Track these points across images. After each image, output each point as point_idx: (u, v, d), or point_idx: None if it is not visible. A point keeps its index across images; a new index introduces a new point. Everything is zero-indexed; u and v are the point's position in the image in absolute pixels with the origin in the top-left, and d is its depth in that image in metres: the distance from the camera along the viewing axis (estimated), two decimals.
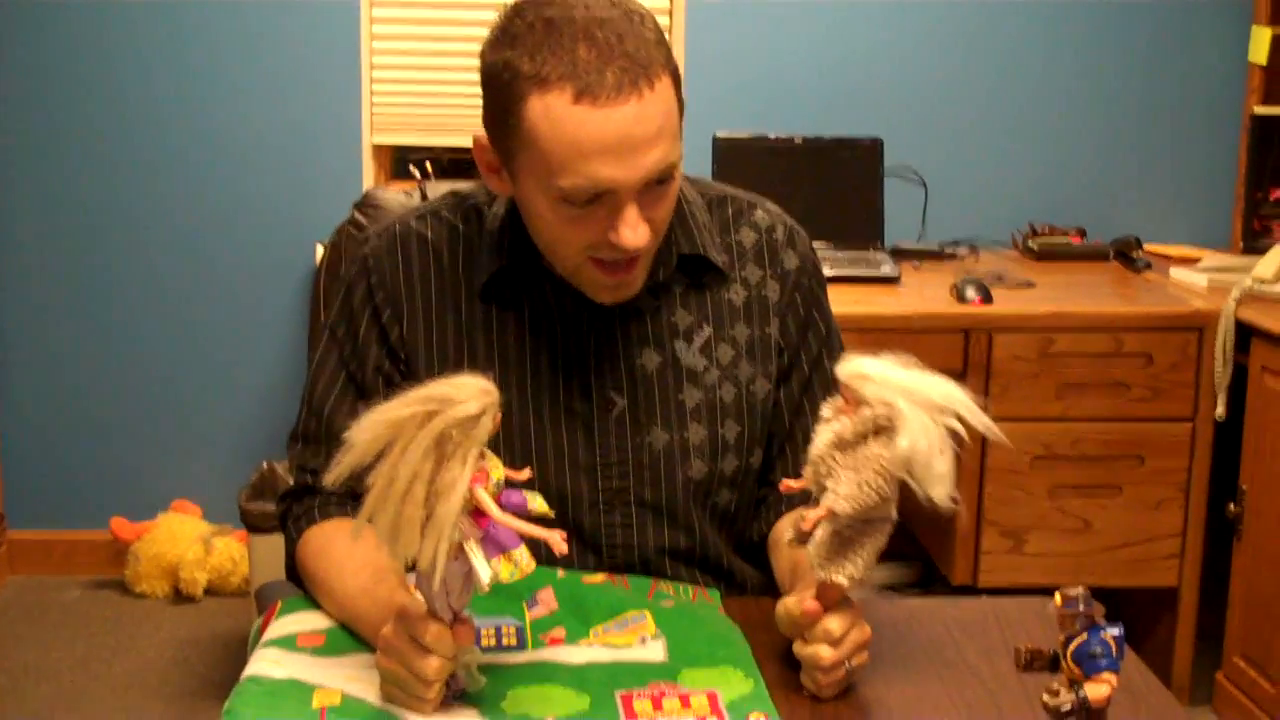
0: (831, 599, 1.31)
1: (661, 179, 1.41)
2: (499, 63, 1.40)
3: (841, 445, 1.26)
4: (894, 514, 1.28)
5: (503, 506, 1.19)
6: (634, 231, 1.40)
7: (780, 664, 1.37)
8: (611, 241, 1.41)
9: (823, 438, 1.27)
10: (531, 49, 1.37)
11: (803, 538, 1.30)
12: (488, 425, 1.17)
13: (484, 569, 1.17)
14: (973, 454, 2.93)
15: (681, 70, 3.66)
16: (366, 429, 1.17)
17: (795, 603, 1.32)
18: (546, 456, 1.56)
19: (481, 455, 1.18)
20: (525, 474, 1.24)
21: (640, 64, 1.36)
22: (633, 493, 1.57)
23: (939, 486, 1.23)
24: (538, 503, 1.23)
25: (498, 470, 1.20)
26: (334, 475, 1.19)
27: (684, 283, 1.60)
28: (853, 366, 1.26)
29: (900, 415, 1.22)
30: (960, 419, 1.24)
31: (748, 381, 1.60)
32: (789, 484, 1.35)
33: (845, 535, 1.28)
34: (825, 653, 1.30)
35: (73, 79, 3.47)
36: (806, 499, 1.62)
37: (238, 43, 3.47)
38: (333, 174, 3.49)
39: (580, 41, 1.35)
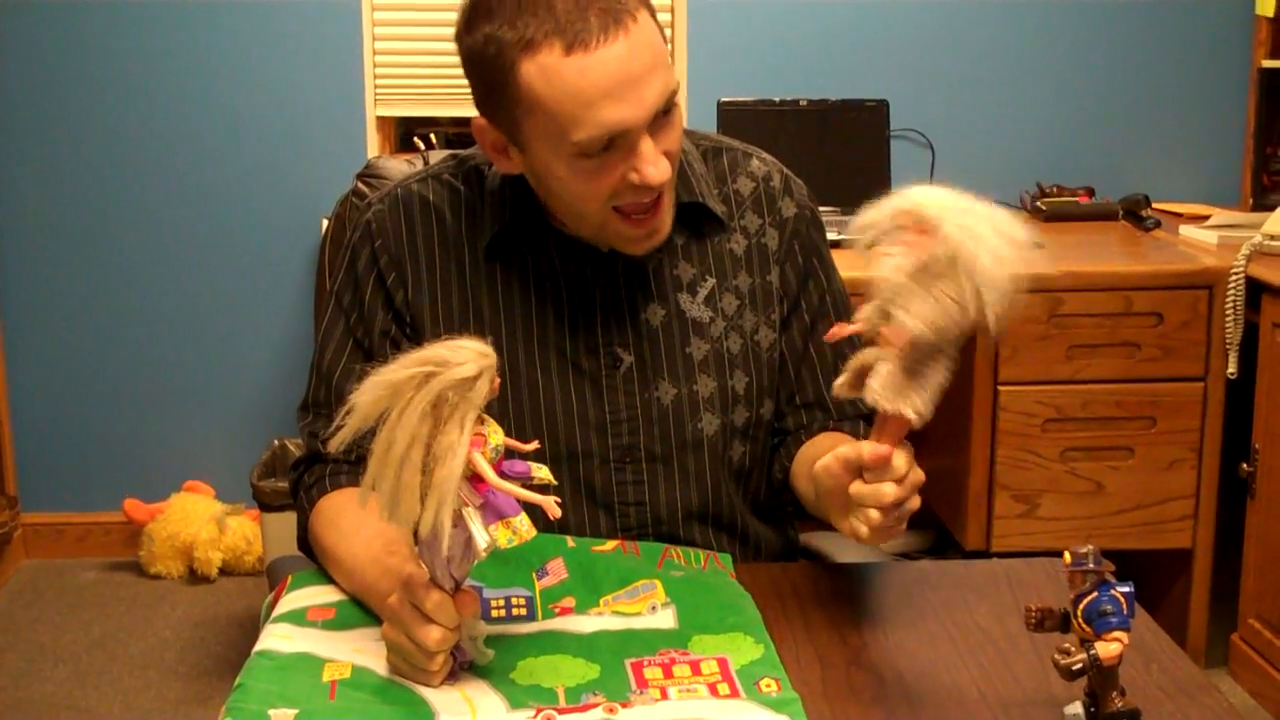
0: (895, 436, 1.27)
1: (667, 109, 1.41)
2: (480, 39, 1.40)
3: (915, 273, 1.21)
4: (956, 352, 1.25)
5: (505, 474, 1.19)
6: (655, 166, 1.41)
7: (790, 630, 1.37)
8: (634, 183, 1.42)
9: (895, 264, 1.22)
10: (510, 17, 1.37)
11: (856, 382, 1.26)
12: (485, 388, 1.16)
13: (481, 535, 1.17)
14: (984, 418, 2.93)
15: (685, 36, 3.63)
16: (366, 391, 1.17)
17: (867, 448, 1.28)
18: (556, 415, 1.56)
19: (480, 420, 1.18)
20: (533, 445, 1.23)
21: (617, 2, 1.37)
22: (643, 449, 1.58)
23: (997, 303, 1.20)
24: (542, 473, 1.22)
25: (496, 435, 1.19)
26: (338, 439, 1.18)
27: (684, 234, 1.60)
28: (920, 197, 1.23)
29: (977, 237, 1.19)
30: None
31: (752, 331, 1.61)
32: (841, 329, 1.30)
33: (911, 367, 1.24)
34: (889, 489, 1.27)
35: (77, 55, 3.46)
36: (828, 425, 1.60)
37: (240, 18, 3.46)
38: (337, 148, 3.49)
39: None
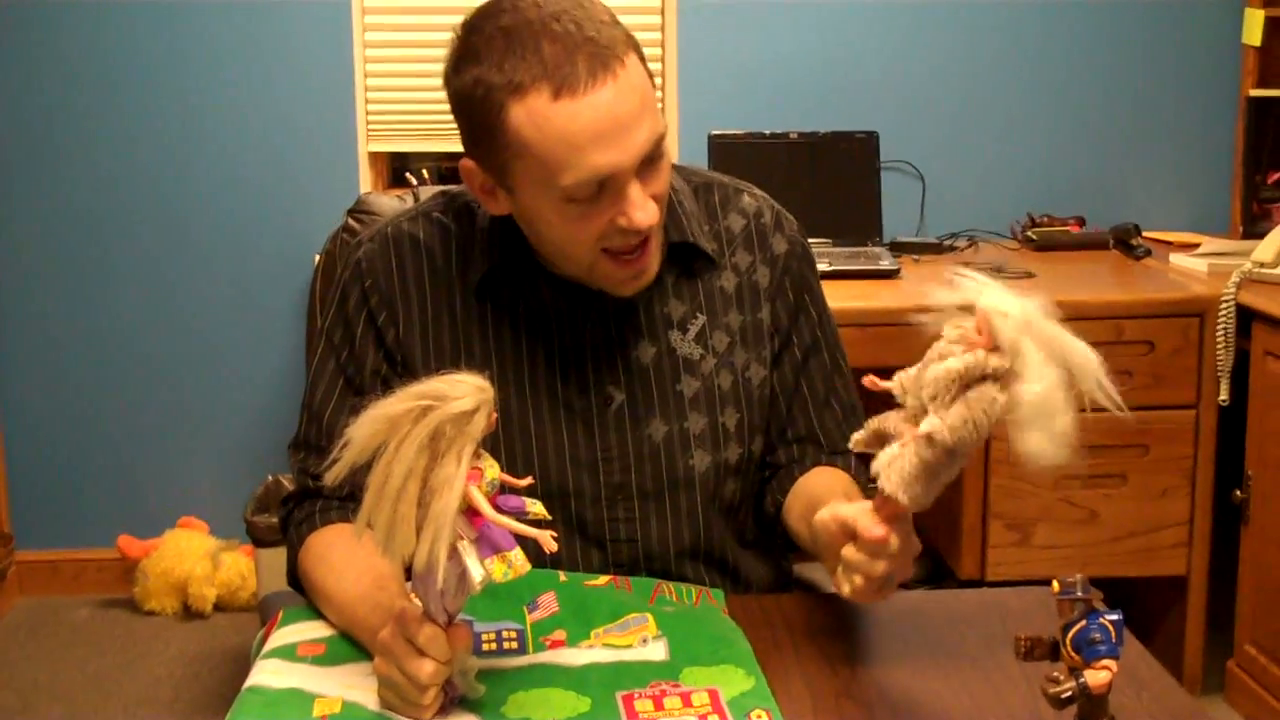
0: (893, 513, 1.27)
1: (653, 154, 1.42)
2: (469, 81, 1.40)
3: (963, 378, 1.20)
4: (973, 452, 1.24)
5: (499, 508, 1.19)
6: (644, 210, 1.41)
7: (781, 662, 1.37)
8: (623, 226, 1.42)
9: (946, 364, 1.21)
10: (498, 60, 1.38)
11: (875, 442, 1.26)
12: (482, 422, 1.16)
13: (477, 569, 1.17)
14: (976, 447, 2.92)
15: (674, 69, 3.65)
16: (364, 425, 1.17)
17: (863, 524, 1.27)
18: (547, 453, 1.56)
19: (476, 454, 1.18)
20: (526, 481, 1.23)
21: (606, 46, 1.37)
22: (634, 486, 1.58)
23: (1051, 445, 1.19)
24: (536, 508, 1.22)
25: (493, 470, 1.19)
26: (334, 472, 1.18)
27: (675, 272, 1.60)
28: (996, 301, 1.21)
29: (1030, 365, 1.18)
30: (1090, 384, 1.21)
31: (743, 368, 1.61)
32: (875, 381, 1.29)
33: (926, 460, 1.23)
34: (880, 566, 1.27)
35: (68, 95, 3.48)
36: (820, 459, 1.61)
37: (231, 55, 3.47)
38: (329, 183, 3.50)
39: (542, 40, 1.36)
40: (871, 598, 1.31)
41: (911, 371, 1.25)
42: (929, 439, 1.21)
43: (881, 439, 1.27)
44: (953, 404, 1.21)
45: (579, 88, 1.36)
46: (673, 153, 3.51)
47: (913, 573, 1.32)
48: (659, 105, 1.47)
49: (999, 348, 1.20)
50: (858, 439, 1.30)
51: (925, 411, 1.22)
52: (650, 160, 1.42)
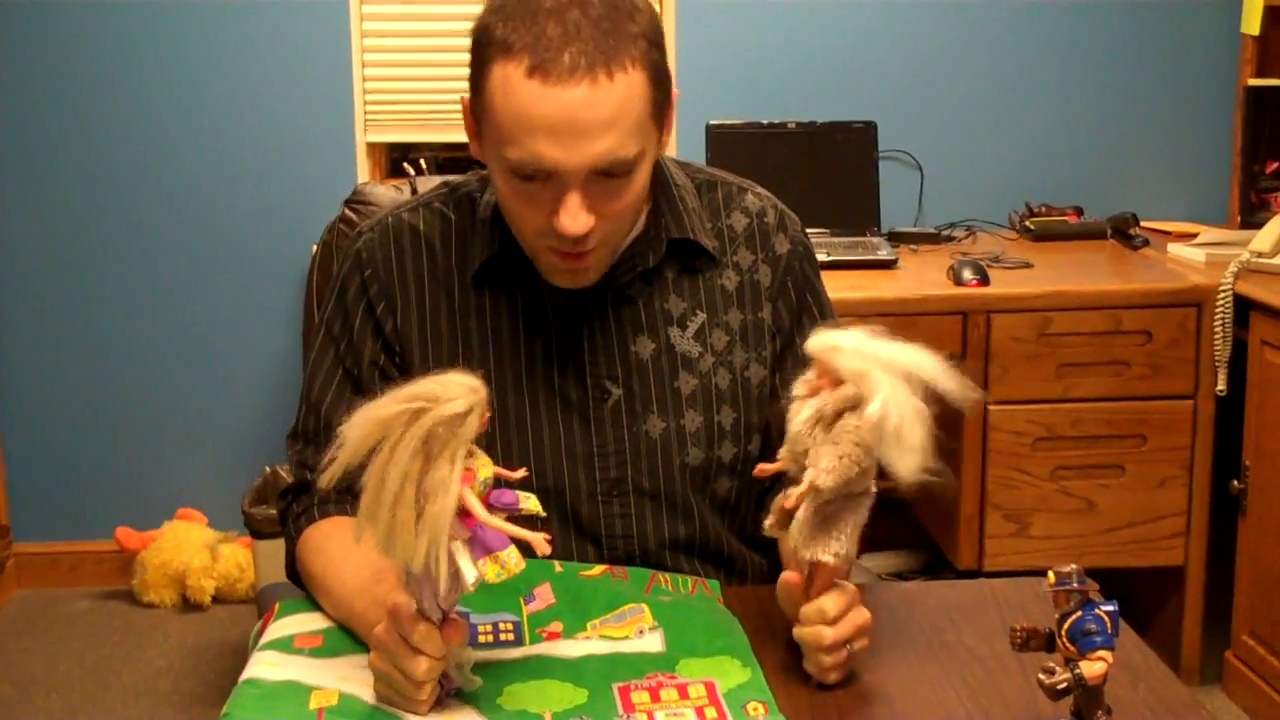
0: (823, 580, 1.30)
1: (611, 171, 1.40)
2: (481, 23, 1.41)
3: (820, 421, 1.25)
4: (873, 487, 1.28)
5: (493, 506, 1.19)
6: (573, 219, 1.39)
7: (778, 653, 1.37)
8: (554, 227, 1.41)
9: (801, 415, 1.27)
10: (507, 16, 1.38)
11: (784, 521, 1.29)
12: (474, 424, 1.16)
13: (470, 570, 1.17)
14: (974, 437, 2.93)
15: (672, 58, 3.64)
16: (357, 426, 1.17)
17: (785, 575, 1.33)
18: (544, 447, 1.56)
19: (469, 453, 1.18)
20: (520, 473, 1.23)
21: (604, 51, 1.36)
22: (630, 482, 1.57)
23: (909, 457, 1.22)
24: (530, 503, 1.22)
25: (485, 469, 1.19)
26: (329, 474, 1.18)
27: (676, 268, 1.60)
28: (824, 340, 1.27)
29: (871, 383, 1.22)
30: (933, 384, 1.24)
31: (742, 367, 1.60)
32: (764, 468, 1.34)
33: (827, 512, 1.27)
34: (825, 633, 1.29)
35: (65, 84, 3.47)
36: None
37: (228, 44, 3.47)
38: (327, 174, 3.49)
39: (551, 18, 1.36)
40: (829, 675, 1.31)
41: (786, 448, 1.30)
42: (813, 490, 1.25)
43: (788, 515, 1.29)
44: (823, 448, 1.25)
45: (552, 74, 1.35)
46: (670, 143, 3.51)
47: (868, 645, 1.33)
48: (655, 133, 1.44)
49: (844, 380, 1.25)
50: (769, 525, 1.34)
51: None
52: (606, 175, 1.40)
